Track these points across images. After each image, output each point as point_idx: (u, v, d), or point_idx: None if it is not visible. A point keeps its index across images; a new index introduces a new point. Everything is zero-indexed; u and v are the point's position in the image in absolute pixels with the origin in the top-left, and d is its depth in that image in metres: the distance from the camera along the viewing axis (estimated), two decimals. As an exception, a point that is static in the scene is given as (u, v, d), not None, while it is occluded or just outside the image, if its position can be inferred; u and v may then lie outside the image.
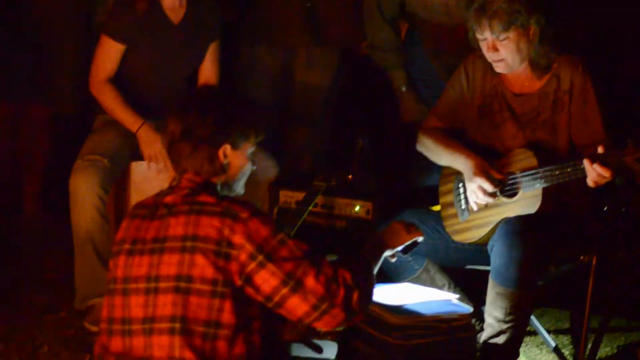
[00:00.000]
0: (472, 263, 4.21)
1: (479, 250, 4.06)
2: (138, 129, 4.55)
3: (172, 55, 4.64)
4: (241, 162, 3.20)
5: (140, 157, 4.62)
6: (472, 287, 4.26)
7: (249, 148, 3.21)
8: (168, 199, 3.10)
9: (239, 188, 3.24)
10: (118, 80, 4.61)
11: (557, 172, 3.86)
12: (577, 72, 4.04)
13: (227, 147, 3.15)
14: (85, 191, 4.36)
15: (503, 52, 4.00)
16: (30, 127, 5.31)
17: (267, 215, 3.09)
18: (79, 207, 4.38)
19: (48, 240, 5.24)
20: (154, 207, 3.11)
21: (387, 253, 3.35)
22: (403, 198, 4.65)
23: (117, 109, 4.57)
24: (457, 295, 4.02)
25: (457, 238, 4.18)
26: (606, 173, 3.71)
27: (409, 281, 4.18)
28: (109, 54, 4.57)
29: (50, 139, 5.36)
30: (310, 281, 3.01)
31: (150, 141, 4.54)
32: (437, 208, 4.30)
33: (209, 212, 3.01)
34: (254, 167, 3.27)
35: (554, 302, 4.69)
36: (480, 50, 4.08)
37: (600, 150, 3.73)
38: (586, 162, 3.72)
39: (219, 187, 3.16)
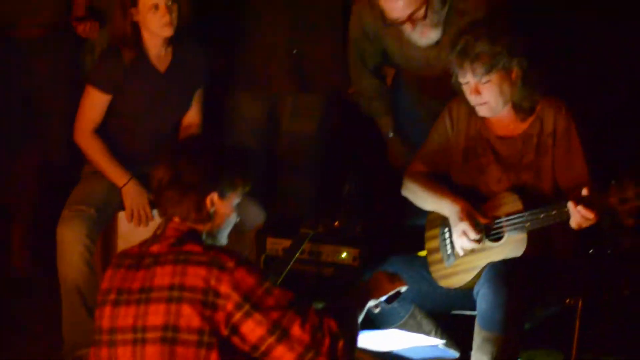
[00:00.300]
0: (459, 308, 4.20)
1: (466, 295, 4.06)
2: (124, 185, 4.57)
3: (158, 103, 4.65)
4: (227, 211, 3.22)
5: (127, 207, 4.63)
6: (459, 332, 4.25)
7: (236, 198, 3.23)
8: (154, 248, 3.11)
9: (223, 238, 3.26)
10: (104, 128, 4.62)
11: (541, 216, 3.87)
12: (560, 115, 4.05)
13: (215, 196, 3.17)
14: (72, 241, 4.36)
15: (486, 95, 4.02)
16: (18, 177, 5.31)
17: (253, 264, 3.10)
18: (66, 257, 4.38)
19: (36, 290, 5.22)
20: (140, 257, 3.12)
21: (371, 303, 3.36)
22: (390, 244, 4.65)
23: (103, 162, 4.58)
24: (444, 341, 4.02)
25: (443, 283, 4.18)
26: (590, 215, 3.72)
27: (395, 327, 4.18)
28: (95, 104, 4.58)
29: (39, 189, 5.34)
30: (296, 330, 3.02)
31: (135, 196, 4.54)
32: (423, 253, 4.30)
33: (195, 262, 3.02)
34: (238, 219, 3.29)
35: (542, 344, 4.68)
36: (463, 94, 4.10)
37: (584, 192, 3.74)
38: (570, 205, 3.73)
39: (204, 236, 3.18)
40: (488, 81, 3.99)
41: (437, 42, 4.48)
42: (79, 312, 4.37)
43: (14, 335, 4.84)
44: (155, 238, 3.16)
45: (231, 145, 3.46)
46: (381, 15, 4.40)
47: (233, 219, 3.26)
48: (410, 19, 4.32)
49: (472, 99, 4.05)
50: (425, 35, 4.42)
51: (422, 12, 4.31)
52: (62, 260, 4.40)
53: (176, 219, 3.16)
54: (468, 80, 4.02)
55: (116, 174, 4.57)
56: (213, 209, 3.18)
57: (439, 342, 3.95)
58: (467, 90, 4.05)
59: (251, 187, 3.28)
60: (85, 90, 4.61)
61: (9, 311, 5.09)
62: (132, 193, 4.54)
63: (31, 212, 5.34)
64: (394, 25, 4.38)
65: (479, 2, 4.43)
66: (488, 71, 3.97)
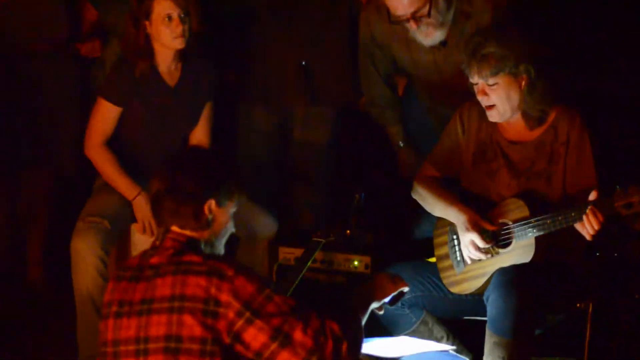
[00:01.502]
0: (470, 314, 4.21)
1: (477, 301, 4.08)
2: (134, 198, 4.60)
3: (168, 117, 4.68)
4: (225, 219, 3.25)
5: (140, 219, 4.67)
6: (471, 338, 4.26)
7: (232, 207, 3.26)
8: (153, 260, 3.14)
9: (221, 247, 3.28)
10: (114, 141, 4.66)
11: (549, 221, 3.89)
12: (574, 125, 4.06)
13: (212, 203, 3.20)
14: (86, 253, 4.41)
15: (493, 98, 4.04)
16: (31, 191, 5.35)
17: (253, 271, 3.12)
18: (80, 268, 4.43)
19: (51, 302, 5.27)
20: (140, 269, 3.15)
21: (374, 305, 3.38)
22: (401, 251, 4.66)
23: (114, 175, 4.62)
24: (455, 347, 4.03)
25: (454, 289, 4.19)
26: (599, 219, 3.75)
27: (407, 334, 4.20)
28: (106, 116, 4.62)
29: (51, 202, 5.38)
30: (298, 335, 3.04)
31: (146, 209, 4.55)
32: (433, 260, 4.32)
33: (195, 272, 3.05)
34: (234, 229, 3.32)
35: (554, 350, 4.67)
36: (475, 98, 4.13)
37: (592, 196, 3.78)
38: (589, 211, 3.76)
39: (202, 246, 3.21)
40: (495, 84, 4.01)
41: (444, 44, 4.50)
42: (92, 322, 4.39)
43: (30, 346, 4.89)
44: (154, 249, 3.19)
45: (224, 155, 3.49)
46: (387, 14, 4.42)
47: (230, 227, 3.28)
48: (414, 16, 4.33)
49: (481, 99, 4.09)
50: (430, 36, 4.43)
51: (425, 9, 4.32)
52: (76, 271, 4.45)
53: (174, 229, 3.19)
54: (476, 81, 4.05)
55: (126, 187, 4.61)
56: (211, 217, 3.20)
57: (450, 348, 3.95)
58: (476, 90, 4.08)
59: (264, 197, 3.31)
60: (96, 103, 4.65)
61: (25, 323, 5.14)
62: (143, 205, 4.57)
63: (45, 225, 5.37)
64: (399, 23, 4.39)
65: (484, 4, 4.45)
66: (494, 73, 4.00)
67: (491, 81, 4.02)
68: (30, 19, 5.04)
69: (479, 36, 4.08)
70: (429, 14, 4.33)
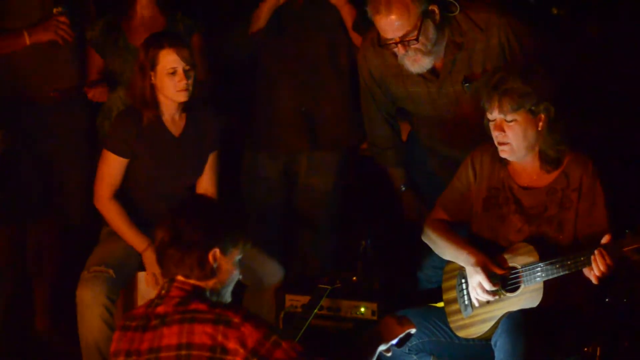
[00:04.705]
0: (478, 358, 4.18)
1: (484, 346, 4.06)
2: (144, 250, 4.59)
3: (173, 167, 4.68)
4: (230, 267, 3.25)
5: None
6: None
7: (237, 255, 3.26)
8: (160, 309, 3.14)
9: (227, 295, 3.27)
10: (121, 190, 4.65)
11: (557, 266, 3.89)
12: (587, 172, 4.06)
13: (217, 251, 3.20)
14: (91, 302, 4.41)
15: (509, 135, 4.03)
16: (38, 240, 5.33)
17: (260, 318, 3.11)
18: (86, 318, 4.43)
19: (60, 352, 5.25)
20: (146, 318, 3.15)
21: (382, 347, 3.39)
22: (408, 297, 4.65)
23: (123, 228, 4.61)
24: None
25: (461, 334, 4.17)
26: (609, 263, 3.75)
27: (414, 380, 4.19)
28: (113, 169, 4.61)
29: (58, 250, 5.36)
30: None
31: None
32: (440, 305, 4.31)
33: (201, 320, 3.05)
34: (241, 277, 3.31)
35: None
36: (486, 143, 4.15)
37: (604, 240, 3.78)
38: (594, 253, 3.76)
39: (208, 294, 3.20)
40: (513, 120, 4.01)
41: (436, 75, 4.52)
42: (100, 372, 4.40)
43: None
44: (160, 298, 3.19)
45: (228, 203, 3.49)
46: (377, 37, 4.44)
47: (236, 275, 3.28)
48: (403, 41, 4.34)
49: (496, 135, 4.07)
50: (418, 62, 4.42)
51: (414, 34, 4.33)
52: (82, 321, 4.45)
53: (180, 277, 3.19)
54: (495, 116, 4.04)
55: (136, 240, 4.60)
56: (216, 265, 3.20)
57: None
58: (492, 126, 4.08)
59: (269, 244, 3.31)
60: (102, 155, 4.65)
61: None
62: (153, 258, 4.54)
63: (52, 274, 5.36)
64: (388, 47, 4.41)
65: (476, 36, 4.47)
66: (515, 109, 3.99)
67: (510, 117, 4.01)
68: (43, 67, 5.06)
69: (503, 71, 4.08)
70: (417, 39, 4.35)
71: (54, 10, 4.96)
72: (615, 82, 5.09)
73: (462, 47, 4.48)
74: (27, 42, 4.97)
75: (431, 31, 4.38)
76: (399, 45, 4.37)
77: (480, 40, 4.47)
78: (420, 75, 4.52)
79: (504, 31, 4.46)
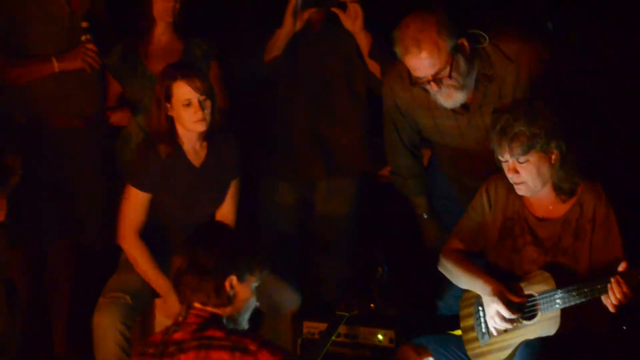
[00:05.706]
0: (495, 387, 4.19)
1: (502, 374, 4.06)
2: (164, 294, 4.55)
3: (195, 197, 4.65)
4: (247, 295, 3.25)
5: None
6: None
7: (254, 282, 3.26)
8: (177, 335, 3.14)
9: (244, 322, 3.28)
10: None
11: (574, 293, 3.88)
12: (600, 202, 4.04)
13: (234, 279, 3.21)
14: (107, 328, 4.40)
15: (524, 175, 4.03)
16: (55, 264, 5.33)
17: (277, 345, 3.11)
18: (101, 343, 4.43)
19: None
20: (163, 345, 3.15)
21: None
22: (425, 324, 4.64)
23: (145, 267, 4.57)
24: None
25: (478, 362, 4.18)
26: (625, 291, 3.74)
27: (433, 408, 4.17)
28: (136, 204, 4.58)
29: (75, 276, 5.36)
30: None
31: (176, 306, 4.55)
32: (458, 332, 4.30)
33: (218, 347, 3.06)
34: (258, 304, 3.31)
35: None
36: (502, 172, 4.12)
37: (621, 268, 3.78)
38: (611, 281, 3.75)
39: (225, 321, 3.20)
40: (526, 161, 3.99)
41: (466, 108, 4.45)
42: (116, 399, 4.40)
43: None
44: (177, 325, 3.19)
45: (245, 230, 3.49)
46: (408, 76, 4.40)
47: (253, 302, 3.28)
48: (435, 78, 4.29)
49: (510, 177, 4.07)
50: (452, 97, 4.35)
51: (446, 71, 4.25)
52: (98, 347, 4.45)
53: (197, 305, 3.19)
54: (507, 159, 4.03)
55: (158, 283, 4.56)
56: (233, 292, 3.21)
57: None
58: (505, 168, 4.07)
59: (287, 270, 3.31)
60: (125, 191, 4.61)
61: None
62: (175, 303, 4.46)
63: (69, 298, 5.36)
64: (420, 85, 4.36)
65: (506, 67, 4.40)
66: (526, 152, 3.98)
67: (522, 159, 3.99)
68: (65, 93, 5.06)
69: (507, 113, 4.04)
70: (450, 76, 4.29)
71: (82, 38, 4.99)
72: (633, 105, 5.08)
73: (493, 79, 4.40)
74: (56, 69, 4.99)
75: (462, 65, 4.29)
76: (432, 82, 4.29)
77: (510, 72, 4.39)
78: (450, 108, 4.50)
79: (534, 61, 4.39)
